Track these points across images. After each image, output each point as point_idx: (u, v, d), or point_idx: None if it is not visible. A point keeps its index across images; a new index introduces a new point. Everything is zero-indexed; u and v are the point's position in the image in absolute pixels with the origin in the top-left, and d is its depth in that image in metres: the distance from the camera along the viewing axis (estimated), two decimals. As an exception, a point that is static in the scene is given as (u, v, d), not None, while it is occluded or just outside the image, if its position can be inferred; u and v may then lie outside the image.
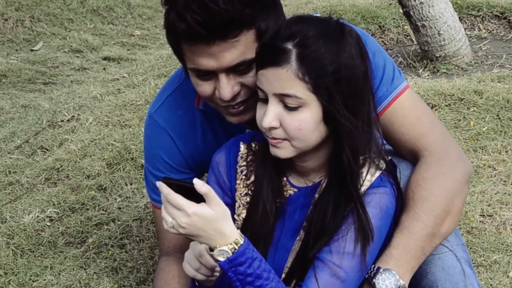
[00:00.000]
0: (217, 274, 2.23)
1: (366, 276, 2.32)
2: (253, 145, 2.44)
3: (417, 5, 5.73)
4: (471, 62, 5.97)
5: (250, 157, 2.43)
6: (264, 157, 2.36)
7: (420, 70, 5.86)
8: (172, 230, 2.09)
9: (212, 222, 2.06)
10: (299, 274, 2.30)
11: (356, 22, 6.43)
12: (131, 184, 4.16)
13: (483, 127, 4.51)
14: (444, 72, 5.81)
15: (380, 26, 6.67)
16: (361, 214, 2.23)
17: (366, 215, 2.23)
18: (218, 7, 2.25)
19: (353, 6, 6.82)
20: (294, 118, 2.20)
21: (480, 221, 3.72)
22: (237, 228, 2.16)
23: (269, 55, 2.20)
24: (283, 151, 2.26)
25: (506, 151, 4.31)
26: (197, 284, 2.31)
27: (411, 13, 5.78)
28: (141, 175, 4.18)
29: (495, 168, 4.17)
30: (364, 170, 2.28)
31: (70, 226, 3.85)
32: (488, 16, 6.74)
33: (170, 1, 2.35)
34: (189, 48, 2.36)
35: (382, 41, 6.55)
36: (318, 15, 2.40)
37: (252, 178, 2.40)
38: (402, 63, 6.04)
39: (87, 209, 3.98)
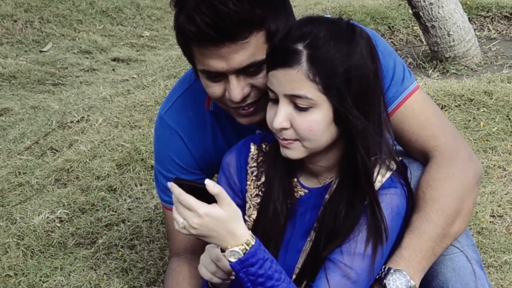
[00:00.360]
0: (232, 277, 2.23)
1: (377, 277, 2.32)
2: (264, 146, 2.44)
3: (426, 6, 5.72)
4: (480, 62, 5.96)
5: (261, 158, 2.43)
6: (275, 158, 2.36)
7: (430, 71, 5.86)
8: (183, 230, 2.10)
9: (224, 223, 2.06)
10: (310, 274, 2.31)
11: (366, 23, 6.43)
12: (141, 185, 4.17)
13: (493, 127, 4.50)
14: (454, 73, 5.81)
15: (389, 27, 6.66)
16: (377, 213, 2.23)
17: (381, 214, 2.23)
18: (228, 9, 2.25)
19: (362, 7, 6.81)
20: (304, 119, 2.20)
21: (490, 222, 3.72)
22: (248, 229, 2.16)
23: (279, 56, 2.20)
24: (294, 152, 2.26)
25: (516, 152, 4.31)
26: (210, 286, 2.31)
27: (421, 13, 5.77)
28: (150, 176, 4.19)
29: (505, 169, 4.16)
30: (375, 171, 2.28)
31: (80, 227, 3.85)
32: (498, 17, 6.73)
33: (180, 3, 2.35)
34: (199, 50, 2.36)
35: (392, 42, 6.55)
36: (329, 16, 2.40)
37: (263, 179, 2.40)
38: (412, 64, 6.04)
39: (97, 210, 3.98)
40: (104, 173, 4.27)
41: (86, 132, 4.80)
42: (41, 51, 8.17)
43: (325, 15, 2.42)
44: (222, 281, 2.24)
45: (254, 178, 2.42)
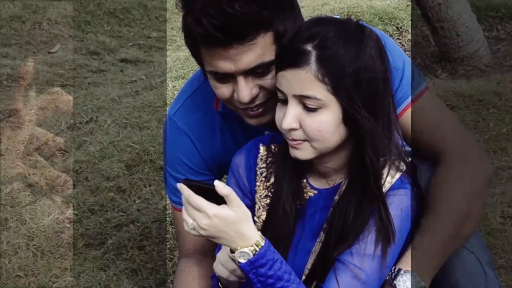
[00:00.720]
0: None
1: (387, 278, 2.32)
2: (273, 147, 2.44)
3: (435, 6, 5.71)
4: (489, 63, 5.94)
5: (270, 159, 2.42)
6: (284, 158, 2.36)
7: (439, 72, 5.84)
8: (193, 231, 2.10)
9: (233, 224, 2.06)
10: (320, 276, 2.30)
11: (374, 23, 6.42)
12: (150, 186, 4.17)
13: (503, 128, 4.49)
14: (463, 74, 5.79)
15: (397, 28, 6.65)
16: (383, 215, 2.22)
17: (388, 216, 2.22)
18: (235, 11, 2.24)
19: (370, 7, 6.80)
20: (313, 120, 2.19)
21: (500, 223, 3.71)
22: (257, 230, 2.16)
23: (288, 57, 2.20)
24: (303, 153, 2.26)
25: (526, 152, 4.29)
26: (220, 286, 2.31)
27: (429, 14, 5.76)
28: (160, 176, 4.19)
29: (515, 170, 4.16)
30: (384, 172, 2.27)
31: (90, 228, 3.86)
32: (507, 17, 6.71)
33: (187, 5, 2.35)
34: (207, 51, 2.36)
35: (400, 43, 6.53)
36: (337, 17, 2.39)
37: (272, 180, 2.40)
38: (421, 65, 6.02)
39: (106, 211, 3.99)
40: (113, 174, 4.28)
41: (95, 133, 4.81)
42: (49, 53, 8.18)
43: (334, 16, 2.42)
44: (238, 280, 2.24)
45: (263, 179, 2.42)
